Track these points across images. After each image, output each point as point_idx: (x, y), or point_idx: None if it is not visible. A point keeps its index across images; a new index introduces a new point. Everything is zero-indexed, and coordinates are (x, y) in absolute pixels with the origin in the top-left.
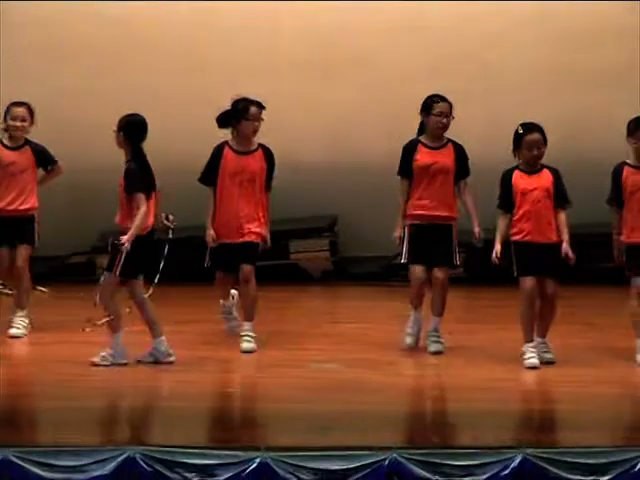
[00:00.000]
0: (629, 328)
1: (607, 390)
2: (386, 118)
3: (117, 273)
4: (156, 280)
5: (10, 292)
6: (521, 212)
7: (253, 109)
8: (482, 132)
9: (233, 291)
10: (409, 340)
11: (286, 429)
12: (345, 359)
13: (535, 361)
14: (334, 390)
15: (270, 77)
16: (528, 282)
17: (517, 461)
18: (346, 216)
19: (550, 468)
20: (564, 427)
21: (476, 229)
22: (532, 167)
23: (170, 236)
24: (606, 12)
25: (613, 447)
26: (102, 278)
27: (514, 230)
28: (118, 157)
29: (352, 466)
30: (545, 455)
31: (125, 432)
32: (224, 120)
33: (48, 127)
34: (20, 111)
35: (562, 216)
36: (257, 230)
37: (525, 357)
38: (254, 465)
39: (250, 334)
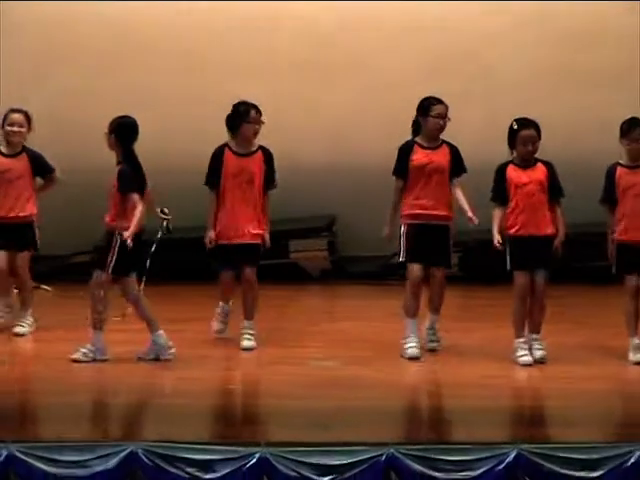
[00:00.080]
0: (620, 326)
1: (598, 387)
2: (385, 119)
3: (109, 271)
4: (144, 279)
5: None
6: (515, 205)
7: (254, 112)
8: (482, 132)
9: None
10: (416, 351)
11: (285, 425)
12: (343, 356)
13: (528, 359)
14: (333, 387)
15: (270, 78)
16: (521, 277)
17: (512, 456)
18: (344, 216)
19: (544, 463)
20: (557, 423)
21: (469, 213)
22: (526, 162)
23: (169, 228)
24: (606, 12)
25: (605, 443)
26: (94, 276)
27: (509, 223)
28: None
29: (350, 461)
30: (539, 450)
31: (127, 428)
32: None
33: (48, 127)
34: (18, 117)
35: (558, 210)
36: (257, 231)
37: (518, 355)
38: (254, 460)
39: (250, 332)
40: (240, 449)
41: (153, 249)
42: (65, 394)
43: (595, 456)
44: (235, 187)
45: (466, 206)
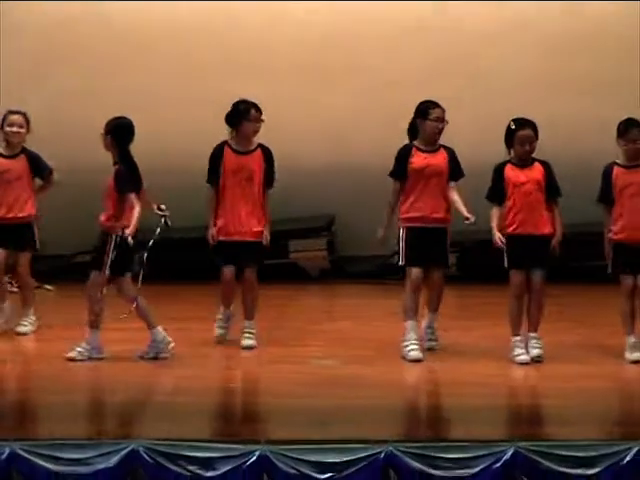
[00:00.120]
0: (617, 325)
1: (596, 385)
2: (384, 120)
3: (106, 271)
4: (141, 276)
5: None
6: (513, 204)
7: (254, 111)
8: (477, 135)
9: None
10: (418, 354)
11: (286, 423)
12: (343, 355)
13: (525, 357)
14: (332, 385)
15: (270, 79)
16: (517, 276)
17: (509, 454)
18: (343, 216)
19: (541, 461)
20: (554, 421)
21: (465, 213)
22: (524, 161)
23: (168, 223)
24: (603, 14)
25: (602, 441)
26: (91, 276)
27: (506, 222)
28: None
29: (349, 459)
30: (536, 448)
31: (128, 426)
32: (229, 120)
33: (48, 127)
34: (17, 118)
35: (555, 209)
36: (257, 229)
37: (514, 353)
38: (254, 458)
39: (251, 331)
40: (240, 447)
41: (151, 244)
42: (66, 392)
43: (592, 454)
44: (235, 185)
45: (462, 207)
